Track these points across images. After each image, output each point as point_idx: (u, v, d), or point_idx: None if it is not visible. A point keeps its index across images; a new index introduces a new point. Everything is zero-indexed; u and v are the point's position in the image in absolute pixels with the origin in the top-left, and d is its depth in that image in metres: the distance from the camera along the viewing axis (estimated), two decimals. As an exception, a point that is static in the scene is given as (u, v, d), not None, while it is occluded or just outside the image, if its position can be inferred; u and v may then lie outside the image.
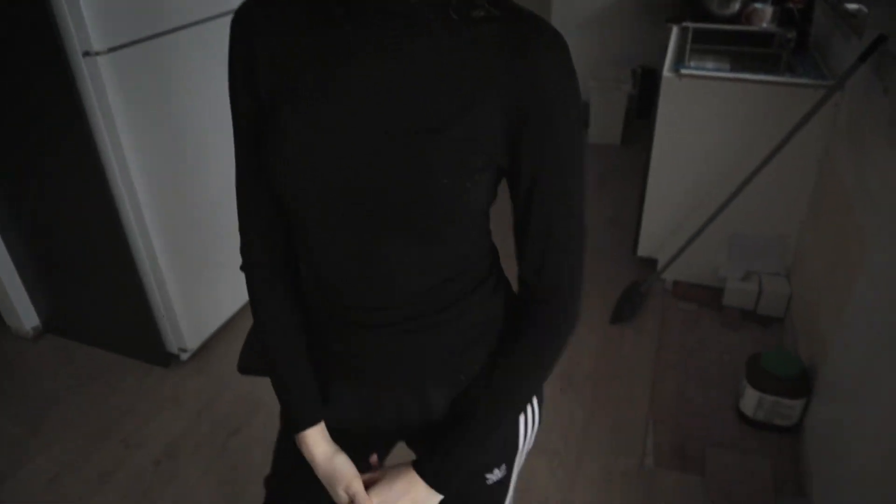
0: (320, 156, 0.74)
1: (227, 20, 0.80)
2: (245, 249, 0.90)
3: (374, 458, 0.96)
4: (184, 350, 2.33)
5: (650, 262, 2.77)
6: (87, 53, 1.75)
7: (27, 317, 2.49)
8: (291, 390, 0.93)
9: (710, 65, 2.55)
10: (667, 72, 2.39)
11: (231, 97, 0.82)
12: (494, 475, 1.00)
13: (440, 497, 0.89)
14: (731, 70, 2.46)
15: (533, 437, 1.06)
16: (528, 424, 1.03)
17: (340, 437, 0.95)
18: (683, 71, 2.34)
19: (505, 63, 0.72)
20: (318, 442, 0.92)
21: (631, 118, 4.20)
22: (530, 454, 2.01)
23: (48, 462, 2.01)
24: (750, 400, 2.02)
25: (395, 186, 0.73)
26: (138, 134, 1.92)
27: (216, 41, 2.12)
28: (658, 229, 2.66)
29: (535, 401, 1.03)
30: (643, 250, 2.74)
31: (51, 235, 2.23)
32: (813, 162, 2.31)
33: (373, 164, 0.73)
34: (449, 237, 0.81)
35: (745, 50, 2.70)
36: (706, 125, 2.39)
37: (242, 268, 0.92)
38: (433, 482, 0.88)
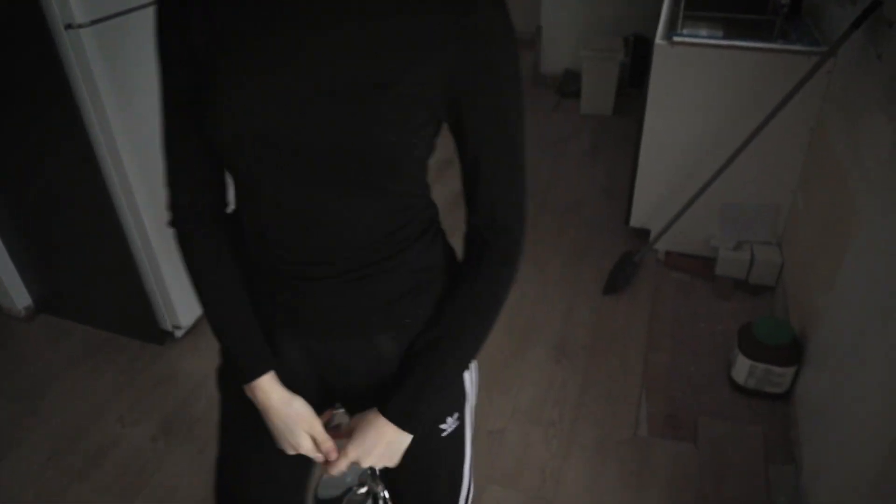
0: (263, 110, 0.74)
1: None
2: (174, 205, 0.89)
3: (327, 414, 0.97)
4: (178, 327, 2.33)
5: (643, 233, 2.77)
6: (69, 26, 1.72)
7: (19, 297, 2.47)
8: (239, 340, 0.92)
9: (703, 32, 2.53)
10: (659, 40, 2.36)
11: (160, 49, 0.80)
12: (448, 425, 1.02)
13: (410, 437, 0.92)
14: (725, 37, 2.44)
15: (476, 389, 1.07)
16: (472, 372, 1.04)
17: None
18: (676, 39, 2.32)
19: (449, 20, 0.73)
20: (273, 387, 0.92)
21: (623, 88, 4.17)
22: (525, 424, 2.04)
23: (45, 441, 2.02)
24: (742, 368, 2.03)
25: (340, 141, 0.74)
26: (123, 106, 1.89)
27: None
28: (650, 200, 2.66)
29: None
30: (636, 221, 2.74)
31: (40, 214, 2.21)
32: (805, 130, 2.30)
33: (318, 118, 0.74)
34: (392, 190, 0.83)
35: (739, 17, 2.67)
36: (699, 93, 2.38)
37: (171, 223, 0.90)
38: (403, 423, 0.90)
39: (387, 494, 1.77)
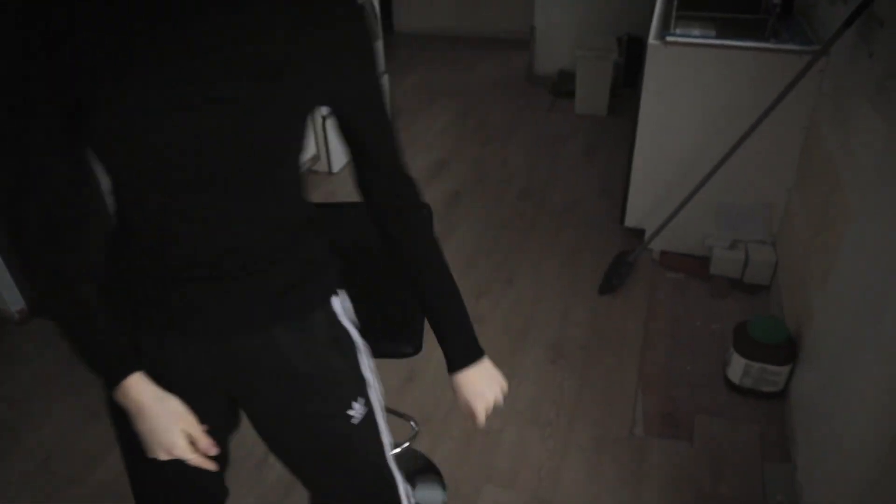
0: (152, 122, 0.74)
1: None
2: (19, 217, 0.84)
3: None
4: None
5: (638, 233, 2.77)
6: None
7: (13, 299, 2.46)
8: (103, 342, 0.89)
9: (696, 32, 2.53)
10: (653, 39, 2.37)
11: (8, 63, 0.73)
12: (356, 410, 1.05)
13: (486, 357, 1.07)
14: (717, 37, 2.44)
15: (375, 376, 1.11)
16: (366, 357, 1.09)
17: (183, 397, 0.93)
18: (669, 38, 2.32)
19: (321, 13, 0.78)
20: (145, 385, 0.89)
21: (617, 87, 4.17)
22: (522, 424, 2.04)
23: (39, 444, 2.01)
24: (737, 367, 2.04)
25: (235, 139, 0.76)
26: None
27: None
28: (645, 199, 2.67)
29: (358, 336, 1.07)
30: (630, 220, 2.75)
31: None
32: (799, 129, 2.31)
33: (213, 120, 0.75)
34: (280, 181, 0.87)
35: (731, 16, 2.68)
36: (692, 93, 2.38)
37: (16, 235, 0.86)
38: (477, 351, 1.09)
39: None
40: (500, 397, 1.10)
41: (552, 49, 4.51)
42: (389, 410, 1.92)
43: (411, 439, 1.75)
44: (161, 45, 0.73)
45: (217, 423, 0.99)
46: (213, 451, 0.94)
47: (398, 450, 1.65)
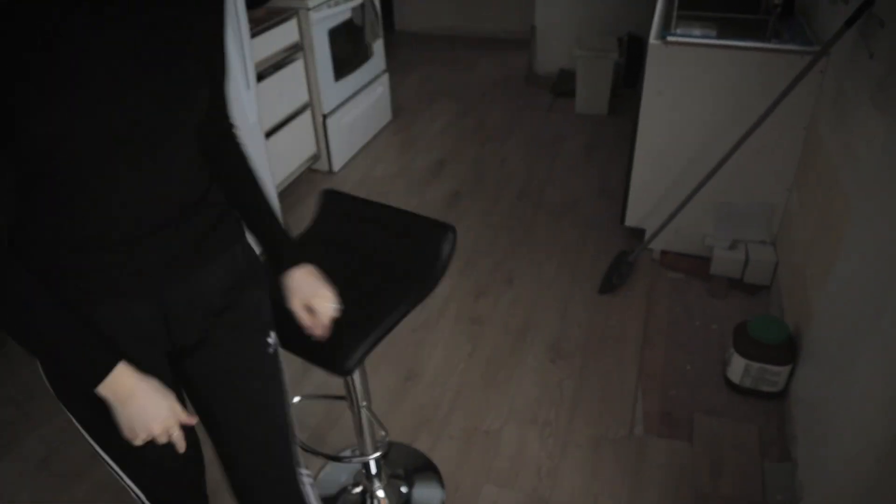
0: (91, 99, 0.82)
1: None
2: None
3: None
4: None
5: (638, 232, 2.77)
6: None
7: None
8: (81, 343, 0.91)
9: (696, 31, 2.53)
10: (653, 39, 2.37)
11: None
12: (272, 340, 1.16)
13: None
14: (718, 36, 2.44)
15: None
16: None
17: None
18: (670, 38, 2.32)
19: None
20: (130, 370, 0.93)
21: (618, 87, 4.17)
22: (521, 423, 2.03)
23: (38, 444, 2.01)
24: (737, 367, 2.04)
25: (163, 104, 0.88)
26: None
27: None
28: (645, 199, 2.67)
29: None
30: (631, 220, 2.75)
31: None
32: (799, 129, 2.31)
33: (142, 92, 0.85)
34: (195, 139, 0.99)
35: (732, 16, 2.68)
36: (693, 93, 2.38)
37: None
38: (297, 255, 1.16)
39: (381, 494, 1.78)
40: (333, 305, 1.17)
41: (552, 49, 4.51)
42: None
43: (385, 450, 1.73)
44: (85, 31, 0.81)
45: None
46: (193, 420, 1.01)
47: (376, 454, 1.66)
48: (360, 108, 3.65)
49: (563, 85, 4.35)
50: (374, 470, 1.74)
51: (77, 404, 1.04)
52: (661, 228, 2.53)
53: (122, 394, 0.92)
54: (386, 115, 4.03)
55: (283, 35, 2.93)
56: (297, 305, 1.15)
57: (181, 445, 0.98)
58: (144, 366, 0.95)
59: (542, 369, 2.22)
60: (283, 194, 3.12)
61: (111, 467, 1.12)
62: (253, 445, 1.18)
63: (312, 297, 1.15)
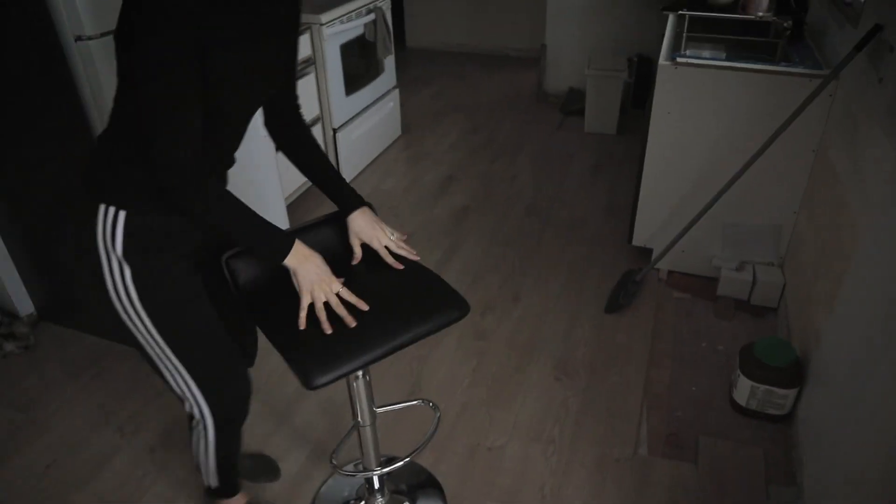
0: (254, 78, 1.18)
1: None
2: (190, 163, 1.10)
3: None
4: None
5: (645, 252, 2.77)
6: (79, 38, 1.74)
7: (22, 304, 2.48)
8: (266, 228, 1.23)
9: (706, 53, 2.54)
10: (663, 60, 2.38)
11: (175, 59, 1.02)
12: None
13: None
14: (728, 59, 2.45)
15: None
16: None
17: None
18: (679, 59, 2.34)
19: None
20: (303, 245, 1.27)
21: (627, 107, 4.19)
22: (525, 441, 2.03)
23: (45, 449, 2.01)
24: (743, 389, 2.03)
25: (288, 67, 1.32)
26: (132, 121, 1.91)
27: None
28: (653, 219, 2.67)
29: None
30: (638, 240, 2.75)
31: (45, 221, 2.22)
32: (808, 152, 2.31)
33: (283, 53, 1.27)
34: None
35: (742, 38, 2.69)
36: (702, 114, 2.39)
37: (190, 179, 1.12)
38: (360, 200, 1.45)
39: (385, 509, 1.76)
40: (387, 235, 1.43)
41: (562, 67, 4.54)
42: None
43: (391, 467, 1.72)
44: (257, 30, 1.15)
45: None
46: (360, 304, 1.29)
47: (392, 468, 1.65)
48: (370, 122, 3.68)
49: (573, 104, 4.37)
50: (377, 485, 1.74)
51: (160, 310, 1.26)
52: (669, 248, 2.53)
53: (300, 258, 1.24)
54: (396, 131, 4.05)
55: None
56: (354, 242, 1.42)
57: (344, 314, 1.25)
58: None
59: (547, 387, 2.22)
60: (292, 207, 3.13)
61: (172, 368, 1.35)
62: None
63: (371, 234, 1.41)
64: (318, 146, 1.45)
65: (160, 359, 1.33)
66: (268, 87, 1.27)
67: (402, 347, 1.27)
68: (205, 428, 1.45)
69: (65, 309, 2.47)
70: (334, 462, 1.55)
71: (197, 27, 1.02)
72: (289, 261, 1.24)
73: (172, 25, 1.00)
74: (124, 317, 1.27)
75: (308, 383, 1.18)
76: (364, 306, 1.27)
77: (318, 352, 1.21)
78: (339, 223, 1.48)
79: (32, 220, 2.24)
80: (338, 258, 1.40)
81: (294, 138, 1.44)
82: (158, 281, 1.24)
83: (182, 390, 1.38)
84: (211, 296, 1.35)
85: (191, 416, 1.46)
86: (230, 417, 1.47)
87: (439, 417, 1.76)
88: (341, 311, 1.25)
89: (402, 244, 1.43)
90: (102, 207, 1.18)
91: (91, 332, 2.45)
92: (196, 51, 1.03)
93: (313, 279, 1.25)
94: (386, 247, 1.41)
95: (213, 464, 1.56)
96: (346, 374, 1.22)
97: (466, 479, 1.90)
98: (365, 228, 1.41)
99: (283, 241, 1.24)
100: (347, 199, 1.43)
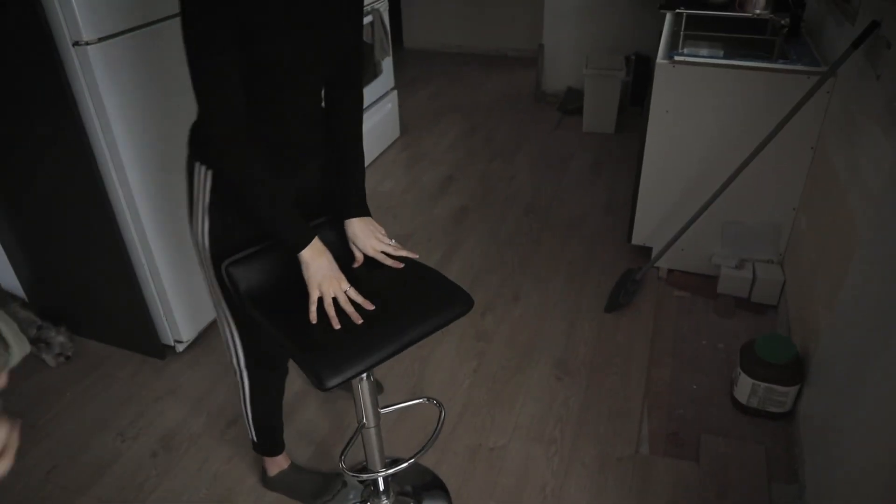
0: (301, 47, 1.23)
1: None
2: (230, 136, 1.21)
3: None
4: (179, 341, 2.33)
5: (645, 251, 2.77)
6: (76, 43, 1.74)
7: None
8: (292, 219, 1.31)
9: (703, 51, 2.55)
10: (660, 59, 2.38)
11: (217, 25, 1.11)
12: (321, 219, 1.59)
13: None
14: (725, 56, 2.46)
15: None
16: None
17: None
18: (677, 58, 2.34)
19: None
20: (320, 243, 1.33)
21: (625, 106, 4.19)
22: (527, 441, 2.03)
23: (45, 454, 2.01)
24: (744, 387, 2.03)
25: (334, 56, 1.34)
26: (129, 123, 1.91)
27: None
28: (652, 218, 2.67)
29: None
30: (637, 238, 2.75)
31: (44, 227, 2.22)
32: (806, 149, 2.32)
33: (323, 42, 1.28)
34: (320, 92, 1.43)
35: (739, 36, 2.70)
36: (700, 112, 2.39)
37: (227, 150, 1.22)
38: (365, 210, 1.50)
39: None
40: (384, 242, 1.48)
41: (560, 67, 4.54)
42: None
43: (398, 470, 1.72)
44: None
45: None
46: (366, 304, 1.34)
47: (404, 465, 1.65)
48: (368, 124, 3.67)
49: (571, 103, 4.37)
50: (381, 487, 1.74)
51: (222, 260, 1.38)
52: (668, 247, 2.53)
53: (315, 253, 1.31)
54: (394, 132, 4.06)
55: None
56: (354, 247, 1.48)
57: (351, 311, 1.29)
58: None
59: (548, 387, 2.22)
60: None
61: (229, 327, 1.51)
62: None
63: (365, 242, 1.46)
64: (358, 140, 1.51)
65: (215, 303, 1.50)
66: (311, 74, 1.32)
67: (411, 345, 1.29)
68: (241, 379, 1.62)
69: (64, 314, 2.47)
70: (343, 465, 1.55)
71: (235, 5, 1.11)
72: (305, 253, 1.30)
73: (213, 5, 1.10)
74: (197, 259, 1.45)
75: (321, 385, 1.19)
76: (370, 306, 1.31)
77: (328, 353, 1.22)
78: (341, 226, 1.50)
79: (31, 225, 2.24)
80: (340, 260, 1.41)
81: (342, 121, 1.48)
82: (228, 235, 1.39)
83: (226, 336, 1.55)
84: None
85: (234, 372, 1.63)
86: (263, 366, 1.61)
87: (444, 415, 1.76)
88: (349, 308, 1.30)
89: (401, 248, 1.48)
90: (197, 165, 1.35)
91: (90, 336, 2.45)
92: (235, 30, 1.12)
93: (324, 274, 1.30)
94: (383, 252, 1.46)
95: (251, 416, 1.71)
96: (357, 374, 1.23)
97: (468, 479, 1.90)
98: (359, 235, 1.46)
99: (304, 234, 1.32)
100: (352, 205, 1.49)
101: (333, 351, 1.23)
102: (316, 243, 1.32)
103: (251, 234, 1.40)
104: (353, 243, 1.47)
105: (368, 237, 1.46)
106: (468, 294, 1.39)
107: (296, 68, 1.26)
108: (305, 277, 1.31)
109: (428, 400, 1.80)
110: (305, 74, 1.30)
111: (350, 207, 1.49)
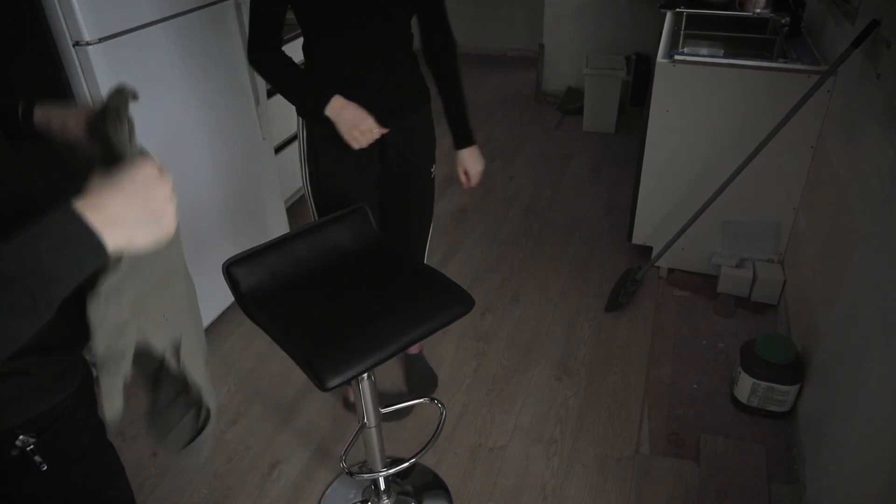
0: None
1: (213, 11, 0.79)
2: (259, 55, 1.57)
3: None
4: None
5: (645, 250, 2.77)
6: (77, 43, 1.74)
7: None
8: (314, 87, 1.57)
9: (703, 51, 2.55)
10: (661, 58, 2.38)
11: None
12: (433, 170, 1.89)
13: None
14: (725, 56, 2.46)
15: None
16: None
17: None
18: (677, 57, 2.34)
19: None
20: (342, 99, 1.53)
21: (625, 106, 4.19)
22: (527, 441, 2.03)
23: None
24: (744, 386, 2.03)
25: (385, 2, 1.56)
26: (130, 125, 1.91)
27: (205, 30, 2.10)
28: (652, 217, 2.67)
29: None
30: (638, 238, 2.75)
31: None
32: (806, 148, 2.31)
33: None
34: (402, 32, 1.68)
35: (739, 35, 2.69)
36: (700, 111, 2.39)
37: (258, 62, 1.58)
38: (470, 141, 1.82)
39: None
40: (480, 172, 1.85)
41: (560, 67, 4.54)
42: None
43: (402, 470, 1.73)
44: None
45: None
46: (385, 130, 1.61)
47: (405, 465, 1.65)
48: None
49: (571, 103, 4.37)
50: (383, 486, 1.74)
51: (314, 183, 1.76)
52: (668, 246, 2.53)
53: (337, 109, 1.53)
54: (394, 132, 4.05)
55: (292, 52, 2.96)
56: (460, 170, 1.84)
57: (377, 131, 1.57)
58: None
59: (548, 387, 2.22)
60: (291, 209, 3.13)
61: (308, 193, 1.80)
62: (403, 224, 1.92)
63: (472, 166, 1.83)
64: (459, 82, 1.78)
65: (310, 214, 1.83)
66: (360, 9, 1.51)
67: (411, 345, 1.29)
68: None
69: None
70: (344, 464, 1.55)
71: None
72: (328, 111, 1.52)
73: None
74: (302, 184, 1.80)
75: (322, 385, 1.19)
76: (383, 130, 1.59)
77: (328, 354, 1.22)
78: (347, 221, 1.51)
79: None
80: (349, 256, 1.41)
81: (442, 67, 1.78)
82: (324, 182, 1.74)
83: None
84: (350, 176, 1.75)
85: None
86: None
87: (444, 416, 1.76)
88: (375, 133, 1.56)
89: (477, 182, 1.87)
90: (298, 119, 1.70)
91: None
92: None
93: (351, 123, 1.53)
94: (469, 174, 1.84)
95: None
96: (358, 374, 1.23)
97: (468, 479, 1.90)
98: (471, 162, 1.83)
99: (323, 96, 1.53)
100: (461, 136, 1.80)
101: (334, 351, 1.23)
102: (336, 101, 1.52)
103: (344, 179, 1.71)
104: (462, 166, 1.83)
105: (474, 163, 1.83)
106: (469, 295, 1.38)
107: (341, 5, 1.48)
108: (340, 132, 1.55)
109: (429, 400, 1.80)
110: (354, 12, 1.50)
111: (460, 135, 1.81)
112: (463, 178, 1.84)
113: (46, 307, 0.63)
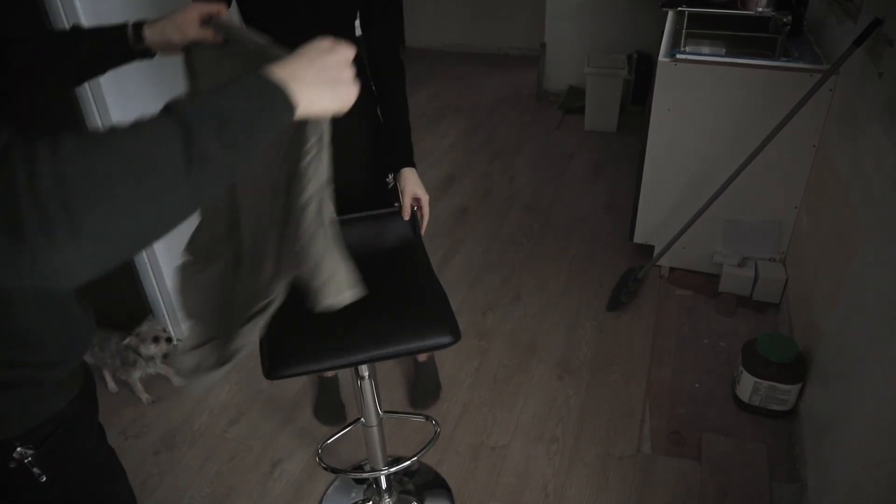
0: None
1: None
2: None
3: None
4: (181, 339, 2.33)
5: (646, 249, 2.77)
6: (78, 43, 1.74)
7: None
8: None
9: (705, 50, 2.54)
10: (662, 57, 2.38)
11: None
12: (389, 179, 1.76)
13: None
14: (727, 55, 2.45)
15: None
16: None
17: None
18: (679, 56, 2.33)
19: None
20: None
21: (626, 105, 4.19)
22: (528, 440, 2.03)
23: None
24: (746, 385, 2.03)
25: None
26: (128, 117, 1.92)
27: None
28: (654, 216, 2.67)
29: None
30: (639, 237, 2.74)
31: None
32: (808, 147, 2.31)
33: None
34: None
35: (741, 34, 2.69)
36: (702, 110, 2.39)
37: None
38: (409, 162, 1.64)
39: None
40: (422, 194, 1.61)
41: (562, 66, 4.54)
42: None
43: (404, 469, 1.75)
44: None
45: None
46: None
47: (409, 462, 1.66)
48: (369, 123, 3.67)
49: (572, 102, 4.37)
50: (384, 485, 1.74)
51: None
52: (670, 245, 2.53)
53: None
54: (395, 131, 4.05)
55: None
56: (406, 198, 1.62)
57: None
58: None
59: (549, 386, 2.21)
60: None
61: None
62: None
63: (412, 191, 1.61)
64: (403, 105, 1.71)
65: None
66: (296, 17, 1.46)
67: (381, 360, 1.28)
68: None
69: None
70: (319, 457, 1.66)
71: None
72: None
73: None
74: None
75: (266, 374, 1.23)
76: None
77: (287, 346, 1.23)
78: (383, 219, 1.59)
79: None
80: (366, 252, 1.44)
81: (387, 88, 1.70)
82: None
83: None
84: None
85: None
86: None
87: (438, 433, 1.82)
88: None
89: (426, 212, 1.64)
90: None
91: (93, 335, 2.45)
92: None
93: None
94: (419, 202, 1.61)
95: None
96: (307, 373, 1.27)
97: (469, 478, 1.90)
98: (411, 186, 1.63)
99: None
100: (403, 157, 1.67)
101: (294, 346, 1.23)
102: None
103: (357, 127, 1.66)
104: (403, 189, 1.62)
105: (417, 185, 1.63)
106: (458, 329, 1.31)
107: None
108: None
109: (426, 419, 1.89)
110: (287, 13, 1.44)
111: (397, 157, 1.67)
112: (406, 202, 1.60)
113: (247, 152, 0.67)
